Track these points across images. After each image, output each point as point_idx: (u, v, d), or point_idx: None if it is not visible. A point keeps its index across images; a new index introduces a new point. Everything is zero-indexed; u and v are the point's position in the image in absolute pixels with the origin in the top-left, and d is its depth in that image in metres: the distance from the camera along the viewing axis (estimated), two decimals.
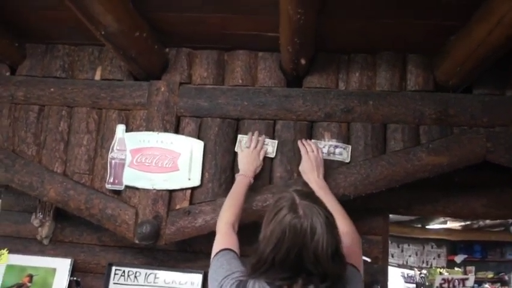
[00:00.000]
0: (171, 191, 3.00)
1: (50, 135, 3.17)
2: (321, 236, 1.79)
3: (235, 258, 2.17)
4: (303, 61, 2.83)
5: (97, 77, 3.24)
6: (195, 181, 2.98)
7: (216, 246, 2.28)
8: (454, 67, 2.80)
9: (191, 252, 3.27)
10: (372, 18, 2.70)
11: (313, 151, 2.83)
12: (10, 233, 3.48)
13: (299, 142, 2.91)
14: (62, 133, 3.17)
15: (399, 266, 10.60)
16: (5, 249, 3.35)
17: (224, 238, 2.34)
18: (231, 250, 2.21)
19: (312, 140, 2.95)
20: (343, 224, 2.33)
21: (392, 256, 10.52)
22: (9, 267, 3.32)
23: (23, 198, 3.45)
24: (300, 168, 2.84)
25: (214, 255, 2.22)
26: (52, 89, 3.21)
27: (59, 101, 3.20)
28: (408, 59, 3.03)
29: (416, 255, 11.13)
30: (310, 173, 2.77)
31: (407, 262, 10.94)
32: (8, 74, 3.32)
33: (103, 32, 2.67)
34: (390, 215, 3.39)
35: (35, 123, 3.21)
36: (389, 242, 3.34)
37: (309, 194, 2.06)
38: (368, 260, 3.03)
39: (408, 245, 11.01)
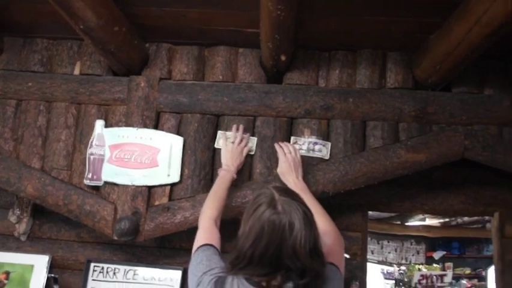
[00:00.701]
0: (150, 187, 2.98)
1: (28, 130, 3.13)
2: (300, 231, 1.80)
3: (216, 254, 2.16)
4: (283, 57, 2.83)
5: (76, 71, 3.20)
6: (174, 177, 2.97)
7: (197, 242, 2.27)
8: (434, 65, 2.83)
9: (170, 249, 3.26)
10: (352, 15, 2.72)
11: (290, 152, 2.82)
12: None
13: (276, 144, 2.90)
14: (40, 128, 3.13)
15: (378, 262, 10.70)
16: None
17: (206, 233, 2.34)
18: (211, 246, 2.21)
19: (292, 137, 2.96)
20: (323, 223, 2.33)
21: (372, 253, 10.61)
22: None
23: (0, 195, 3.39)
24: (278, 170, 2.82)
25: (195, 251, 2.21)
26: (30, 84, 3.16)
27: (37, 95, 3.16)
28: (388, 56, 3.06)
29: (396, 251, 11.24)
30: (289, 175, 2.76)
31: (386, 259, 11.05)
32: None
33: (82, 27, 2.65)
34: (370, 212, 3.41)
35: (13, 118, 3.17)
36: (369, 238, 3.37)
37: (288, 190, 2.07)
38: (347, 256, 3.04)
39: (388, 242, 11.11)
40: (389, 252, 11.15)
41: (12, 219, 3.32)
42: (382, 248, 11.11)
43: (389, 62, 3.04)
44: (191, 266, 2.14)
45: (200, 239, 2.29)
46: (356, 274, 3.11)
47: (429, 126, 2.96)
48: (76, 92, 3.12)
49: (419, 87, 3.01)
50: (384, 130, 2.94)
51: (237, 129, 2.93)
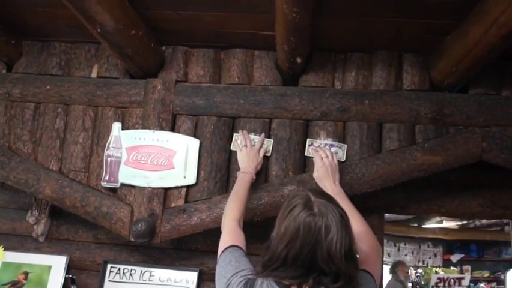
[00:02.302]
0: (166, 189, 3.00)
1: (46, 133, 3.17)
2: (335, 234, 1.77)
3: (243, 255, 2.12)
4: (298, 60, 2.83)
5: (94, 74, 3.24)
6: (191, 179, 2.98)
7: (223, 243, 2.24)
8: (450, 67, 2.81)
9: (186, 250, 3.27)
10: (368, 17, 2.71)
11: (327, 157, 2.78)
12: (6, 231, 3.47)
13: (312, 149, 2.89)
14: (58, 131, 3.17)
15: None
16: (1, 247, 3.35)
17: (231, 235, 2.31)
18: (238, 247, 2.17)
19: (308, 139, 2.96)
20: (360, 229, 2.30)
21: (389, 255, 10.55)
22: (5, 265, 3.32)
23: (19, 196, 3.44)
24: (315, 174, 2.78)
25: (222, 252, 2.18)
26: (48, 87, 3.21)
27: (55, 98, 3.20)
28: (404, 58, 3.04)
29: (413, 254, 11.16)
30: (326, 180, 2.71)
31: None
32: (4, 71, 3.33)
33: (99, 30, 2.67)
34: (387, 214, 3.39)
35: (31, 120, 3.21)
36: (385, 241, 3.35)
37: (324, 193, 2.05)
38: None
39: (405, 244, 11.04)
40: (406, 255, 11.08)
41: (31, 220, 3.36)
42: (399, 250, 11.04)
43: (405, 64, 3.03)
44: (219, 267, 2.11)
45: (226, 240, 2.26)
46: None
47: (446, 128, 2.93)
48: (93, 95, 3.16)
49: (436, 88, 2.99)
50: (401, 132, 2.92)
51: (246, 134, 2.93)
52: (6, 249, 3.34)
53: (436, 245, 11.15)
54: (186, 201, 2.99)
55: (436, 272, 9.40)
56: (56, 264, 3.28)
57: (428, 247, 11.20)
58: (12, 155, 3.14)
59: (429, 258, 11.17)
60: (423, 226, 9.76)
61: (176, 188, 3.00)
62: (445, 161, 2.87)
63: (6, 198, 3.53)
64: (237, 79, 3.08)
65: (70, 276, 3.25)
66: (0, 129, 3.21)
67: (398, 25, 2.76)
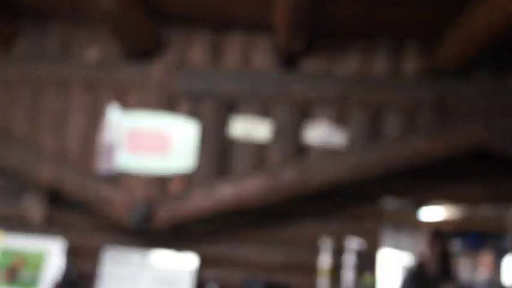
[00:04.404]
0: (165, 175, 2.97)
1: (45, 116, 3.14)
2: None
3: None
4: (299, 44, 2.80)
5: (92, 56, 3.20)
6: (189, 164, 2.96)
7: None
8: (453, 53, 2.77)
9: (185, 235, 3.25)
10: (370, 3, 2.67)
11: None
12: (3, 215, 3.44)
13: None
14: (57, 113, 3.14)
15: (395, 252, 10.63)
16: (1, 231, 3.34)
17: None
18: None
19: (308, 124, 2.93)
20: None
21: (390, 242, 10.54)
22: (2, 249, 3.30)
23: (17, 180, 3.41)
24: None
25: None
26: (47, 68, 3.17)
27: (54, 80, 3.16)
28: (407, 44, 3.01)
29: (413, 242, 11.16)
30: None
31: (403, 249, 10.97)
32: (1, 52, 3.28)
33: (99, 11, 2.64)
34: (387, 202, 3.36)
35: (30, 103, 3.17)
36: (385, 228, 3.32)
37: None
38: (362, 245, 3.01)
39: (406, 232, 11.04)
40: (407, 242, 11.07)
41: (28, 205, 3.34)
42: (400, 237, 11.04)
43: (407, 50, 2.99)
44: None
45: None
46: (369, 264, 3.08)
47: (447, 116, 2.90)
48: (92, 77, 3.12)
49: (438, 75, 2.95)
50: (401, 119, 2.89)
51: None
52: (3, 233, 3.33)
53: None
54: (185, 186, 2.97)
55: None
56: (54, 249, 3.26)
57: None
58: (11, 138, 3.11)
59: None
60: (423, 214, 9.73)
61: (175, 173, 2.97)
62: (446, 149, 2.85)
63: (3, 183, 3.50)
64: (236, 63, 3.05)
65: (68, 260, 3.22)
66: None
67: (400, 12, 2.72)
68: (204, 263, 3.18)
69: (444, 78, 2.95)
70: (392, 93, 2.91)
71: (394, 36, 3.00)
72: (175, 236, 3.25)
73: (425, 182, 3.25)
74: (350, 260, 2.92)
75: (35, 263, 3.26)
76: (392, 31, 2.95)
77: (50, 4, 3.06)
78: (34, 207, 3.35)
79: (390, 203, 3.25)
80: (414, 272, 5.16)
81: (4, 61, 3.22)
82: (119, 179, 3.01)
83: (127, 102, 3.08)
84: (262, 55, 3.06)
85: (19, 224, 3.39)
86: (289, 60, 3.01)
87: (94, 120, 3.09)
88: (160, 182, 2.97)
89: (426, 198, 3.37)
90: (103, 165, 3.00)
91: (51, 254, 3.26)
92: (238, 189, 2.91)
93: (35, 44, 3.26)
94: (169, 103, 3.03)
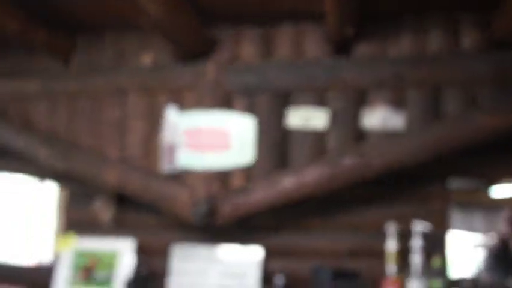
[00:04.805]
0: (225, 170, 3.02)
1: (105, 124, 3.26)
2: None
3: None
4: (350, 29, 2.76)
5: (146, 62, 3.28)
6: (248, 158, 2.99)
7: None
8: None
9: (250, 228, 3.29)
10: None
11: None
12: (75, 219, 3.60)
13: None
14: (117, 120, 3.25)
15: (464, 233, 10.34)
16: (72, 234, 3.49)
17: None
18: None
19: (365, 109, 2.89)
20: None
21: (459, 223, 10.25)
22: (76, 251, 3.45)
23: (85, 185, 3.55)
24: None
25: None
26: (104, 79, 3.29)
27: (112, 89, 3.27)
28: (462, 17, 2.90)
29: (484, 221, 10.82)
30: None
31: (474, 229, 10.64)
32: (61, 67, 3.42)
33: (148, 18, 2.71)
34: (454, 182, 3.28)
35: (91, 113, 3.30)
36: (454, 208, 3.24)
37: None
38: (429, 228, 2.95)
39: (475, 211, 10.70)
40: (477, 222, 10.75)
41: (97, 207, 3.47)
42: (469, 217, 10.73)
43: (462, 24, 2.89)
44: None
45: None
46: (437, 245, 3.02)
47: (509, 89, 2.79)
48: (147, 82, 3.21)
49: (497, 48, 2.84)
50: (461, 96, 2.80)
51: None
52: (76, 236, 3.48)
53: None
54: (246, 180, 3.00)
55: None
56: (124, 248, 3.38)
57: (501, 213, 10.81)
58: (75, 148, 3.25)
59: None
60: (493, 192, 9.40)
61: (235, 168, 3.01)
62: (509, 124, 2.74)
63: (75, 187, 3.65)
64: (288, 54, 3.05)
65: (139, 259, 3.33)
66: (62, 124, 3.33)
67: None
68: (270, 255, 3.21)
69: (503, 50, 2.83)
70: (450, 69, 2.83)
71: (447, 11, 2.90)
72: (240, 230, 3.30)
73: (494, 158, 3.13)
74: (417, 243, 2.87)
75: (108, 262, 3.39)
76: (445, 5, 2.86)
77: (102, 18, 3.18)
78: (104, 210, 3.49)
79: (458, 183, 3.17)
80: (496, 251, 5.03)
81: (64, 76, 3.38)
82: (181, 177, 3.08)
83: (184, 103, 3.15)
84: (314, 44, 3.04)
85: (91, 227, 3.54)
86: (341, 47, 2.98)
87: (153, 123, 3.18)
88: (222, 178, 3.02)
89: (496, 176, 3.27)
90: (165, 165, 3.08)
91: (123, 253, 3.38)
92: (299, 179, 2.92)
93: (91, 56, 3.40)
94: (224, 100, 3.07)
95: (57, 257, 3.48)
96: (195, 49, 3.11)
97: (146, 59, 3.27)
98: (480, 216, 10.76)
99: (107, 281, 3.36)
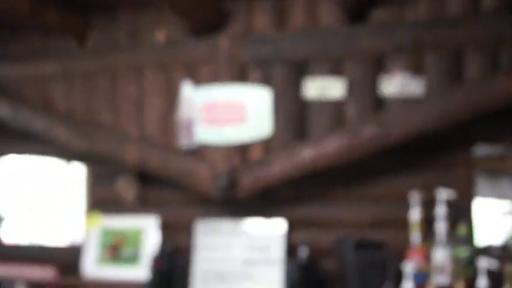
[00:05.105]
0: (244, 143, 3.00)
1: (123, 102, 3.27)
2: None
3: None
4: None
5: (160, 38, 3.26)
6: (266, 131, 2.96)
7: None
8: None
9: (273, 200, 3.28)
10: None
11: None
12: (100, 199, 3.65)
13: None
14: (134, 98, 3.25)
15: (493, 200, 10.16)
16: (98, 213, 3.54)
17: None
18: None
19: (384, 76, 2.82)
20: None
21: (486, 191, 10.07)
22: (103, 230, 3.51)
23: (107, 164, 3.58)
24: None
25: None
26: (120, 57, 3.29)
27: (128, 67, 3.27)
28: None
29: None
30: None
31: (503, 196, 10.45)
32: (77, 47, 3.43)
33: None
34: (479, 148, 3.19)
35: (109, 90, 3.31)
36: (481, 176, 3.16)
37: None
38: (454, 196, 2.88)
39: (504, 178, 10.50)
40: (506, 189, 10.54)
41: (121, 185, 3.50)
42: (497, 185, 10.54)
43: None
44: None
45: None
46: (462, 213, 2.95)
47: None
48: (163, 58, 3.20)
49: None
50: (483, 58, 2.70)
51: None
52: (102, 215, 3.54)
53: None
54: (264, 152, 2.98)
55: None
56: (149, 225, 3.42)
57: None
58: (95, 127, 3.28)
59: None
60: None
61: (253, 140, 2.99)
62: None
63: (98, 167, 3.69)
64: (302, 23, 2.99)
65: (163, 235, 3.36)
66: (80, 103, 3.36)
67: None
68: (293, 227, 3.20)
69: None
70: (470, 32, 2.72)
71: None
72: (262, 203, 3.29)
73: None
74: (441, 212, 2.80)
75: (133, 240, 3.44)
76: None
77: None
78: (127, 188, 3.52)
79: (482, 150, 3.08)
80: None
81: (81, 55, 3.40)
82: (200, 152, 3.08)
83: (199, 78, 3.13)
84: (328, 12, 2.97)
85: (115, 206, 3.58)
86: (356, 14, 2.90)
87: (170, 99, 3.17)
88: (240, 151, 3.01)
89: None
90: (183, 141, 3.08)
91: (148, 231, 3.42)
92: (318, 150, 2.88)
93: (106, 34, 3.41)
94: (239, 73, 3.03)
95: (86, 236, 3.55)
96: (208, 23, 3.08)
97: (160, 36, 3.25)
98: (509, 183, 10.54)
99: (134, 258, 3.41)
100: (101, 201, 3.64)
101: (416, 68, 2.79)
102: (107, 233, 3.52)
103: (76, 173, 3.77)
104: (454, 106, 2.69)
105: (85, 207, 3.68)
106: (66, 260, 3.55)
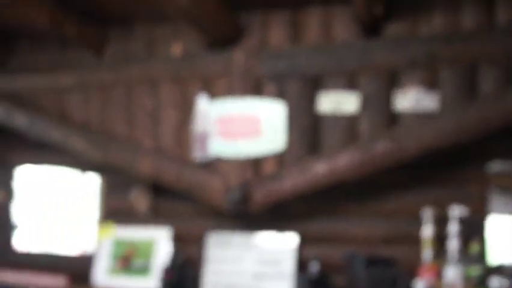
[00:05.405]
0: (257, 157, 3.00)
1: (138, 114, 3.29)
2: None
3: None
4: (379, 9, 2.69)
5: (176, 52, 3.30)
6: (280, 145, 2.97)
7: None
8: None
9: (285, 215, 3.27)
10: None
11: None
12: (113, 209, 3.67)
13: None
14: (149, 110, 3.28)
15: (507, 218, 10.00)
16: (111, 224, 3.56)
17: None
18: None
19: (398, 91, 2.81)
20: None
21: (500, 208, 9.91)
22: (115, 240, 3.52)
23: (121, 175, 3.60)
24: None
25: None
26: (136, 69, 3.32)
27: (144, 79, 3.30)
28: None
29: None
30: None
31: None
32: (94, 59, 3.47)
33: (175, 7, 2.71)
34: (493, 165, 3.16)
35: (124, 103, 3.34)
36: (495, 193, 3.12)
37: None
38: (467, 213, 2.85)
39: None
40: None
41: (134, 196, 3.52)
42: (511, 201, 10.37)
43: None
44: None
45: None
46: (475, 231, 2.91)
47: None
48: (178, 71, 3.22)
49: None
50: (498, 73, 2.68)
51: None
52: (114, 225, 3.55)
53: None
54: (277, 166, 2.98)
55: None
56: (161, 237, 3.43)
57: None
58: (110, 138, 3.31)
59: None
60: None
61: (267, 154, 2.99)
62: None
63: (112, 178, 3.72)
64: (317, 38, 3.01)
65: (175, 247, 3.37)
66: (95, 115, 3.39)
67: None
68: (305, 241, 3.19)
69: None
70: (484, 46, 2.71)
71: None
72: (274, 217, 3.28)
73: None
74: (454, 229, 2.78)
75: (145, 251, 3.44)
76: None
77: (132, 9, 3.21)
78: (140, 199, 3.54)
79: (497, 166, 3.06)
80: None
81: (97, 66, 3.44)
82: (213, 165, 3.09)
83: (214, 91, 3.14)
84: (343, 26, 2.99)
85: (128, 216, 3.60)
86: (371, 28, 2.91)
87: (185, 112, 3.19)
88: (254, 165, 3.01)
89: None
90: (197, 153, 3.09)
91: (160, 242, 3.43)
92: (331, 164, 2.88)
93: (123, 47, 3.45)
94: (254, 87, 3.05)
95: (98, 246, 3.56)
96: (224, 36, 3.10)
97: (176, 49, 3.29)
98: None
99: (145, 269, 3.41)
100: (114, 211, 3.66)
101: (430, 83, 2.78)
102: (119, 244, 3.53)
103: (90, 183, 3.80)
104: (468, 121, 2.68)
105: (98, 217, 3.70)
106: (77, 269, 3.57)
